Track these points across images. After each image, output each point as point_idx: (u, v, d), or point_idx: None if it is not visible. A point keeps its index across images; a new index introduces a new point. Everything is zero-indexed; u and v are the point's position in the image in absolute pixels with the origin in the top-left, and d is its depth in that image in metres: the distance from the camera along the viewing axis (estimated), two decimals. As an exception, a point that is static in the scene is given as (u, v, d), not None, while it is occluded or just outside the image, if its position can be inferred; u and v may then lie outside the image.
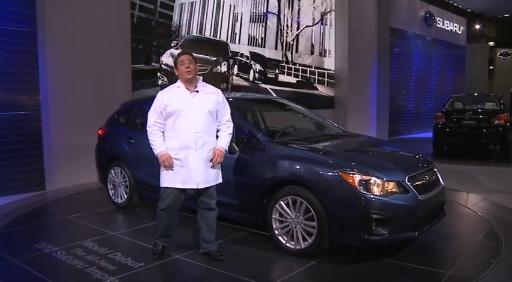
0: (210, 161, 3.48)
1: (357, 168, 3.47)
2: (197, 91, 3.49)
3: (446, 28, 16.42)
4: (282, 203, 3.70)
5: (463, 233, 4.35)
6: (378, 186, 3.38)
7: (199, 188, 3.46)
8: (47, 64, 6.27)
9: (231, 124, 3.64)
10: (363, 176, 3.39)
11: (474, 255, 3.71)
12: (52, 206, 5.54)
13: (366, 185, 3.37)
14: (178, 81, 3.54)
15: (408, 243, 3.85)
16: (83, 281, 3.25)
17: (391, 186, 3.42)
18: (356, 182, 3.36)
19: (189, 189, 3.50)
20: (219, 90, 3.65)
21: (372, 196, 3.34)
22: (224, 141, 3.57)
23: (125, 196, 5.17)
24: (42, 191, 6.17)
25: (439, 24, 15.78)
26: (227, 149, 3.61)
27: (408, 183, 3.49)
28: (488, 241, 4.06)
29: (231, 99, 5.04)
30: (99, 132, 5.65)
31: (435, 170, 4.09)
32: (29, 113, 6.07)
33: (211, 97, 3.53)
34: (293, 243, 3.67)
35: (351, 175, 3.39)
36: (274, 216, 3.76)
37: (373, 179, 3.39)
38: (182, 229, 4.23)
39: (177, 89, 3.50)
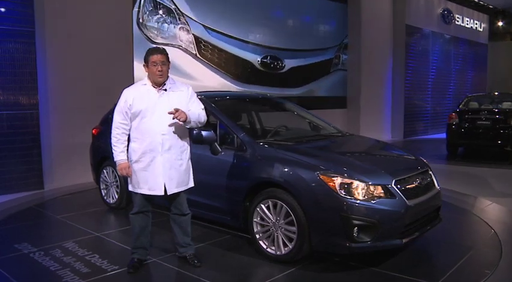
0: (169, 113, 3.12)
1: (338, 170, 3.28)
2: (165, 89, 3.28)
3: (466, 25, 15.85)
4: (262, 206, 3.54)
5: (461, 240, 4.08)
6: (361, 190, 3.18)
7: (168, 194, 3.30)
8: (46, 63, 6.29)
9: (204, 112, 3.41)
10: (345, 179, 3.20)
11: (468, 265, 3.45)
12: (46, 205, 5.52)
13: (348, 188, 3.18)
14: (146, 78, 3.33)
15: (399, 251, 3.64)
16: (51, 283, 3.17)
17: (375, 190, 3.21)
18: (337, 185, 3.17)
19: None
20: (190, 86, 3.45)
21: (353, 200, 3.14)
22: (191, 111, 3.26)
23: (116, 196, 5.10)
24: (40, 190, 6.18)
25: (458, 21, 15.25)
26: (190, 119, 3.21)
27: (395, 187, 3.27)
28: (487, 249, 3.80)
29: (227, 97, 4.99)
30: (93, 131, 5.61)
31: (430, 172, 3.86)
32: (28, 112, 6.07)
33: (179, 95, 3.31)
34: (274, 248, 3.50)
35: (332, 178, 3.20)
36: (255, 219, 3.61)
37: (355, 182, 3.19)
38: (163, 230, 4.14)
39: (143, 87, 3.30)
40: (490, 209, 5.15)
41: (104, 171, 5.24)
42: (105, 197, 5.27)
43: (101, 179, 5.30)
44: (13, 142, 5.96)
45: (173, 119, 3.16)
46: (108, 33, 6.87)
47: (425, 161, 4.03)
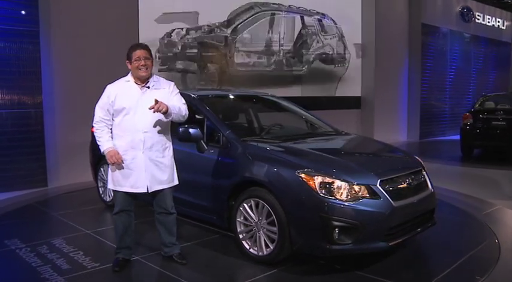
0: (150, 109, 3.06)
1: (319, 169, 3.17)
2: (148, 87, 3.26)
3: (488, 24, 15.32)
4: (245, 205, 3.46)
5: (457, 244, 3.89)
6: (342, 190, 3.06)
7: (149, 191, 3.26)
8: (51, 63, 6.37)
9: (185, 106, 3.34)
10: (325, 178, 3.08)
11: (459, 271, 3.27)
12: (46, 202, 5.58)
13: (329, 188, 3.06)
14: (129, 74, 3.31)
15: (389, 254, 3.50)
16: (28, 280, 3.17)
17: (358, 190, 3.09)
18: (317, 184, 3.06)
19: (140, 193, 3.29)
20: (172, 83, 3.41)
21: (334, 201, 3.02)
22: (171, 105, 3.19)
23: (112, 194, 5.10)
24: (44, 187, 6.26)
25: (478, 19, 14.76)
26: (171, 111, 3.15)
27: (380, 188, 3.13)
28: (483, 254, 3.60)
29: (223, 95, 4.92)
30: (92, 129, 5.62)
31: (423, 173, 3.70)
32: (32, 111, 6.15)
33: (162, 93, 3.27)
34: (256, 249, 3.42)
35: (312, 177, 3.09)
36: (238, 219, 3.53)
37: (337, 181, 3.07)
38: (153, 228, 4.08)
39: (127, 84, 3.28)
40: (495, 213, 4.92)
41: (101, 169, 5.25)
42: (102, 195, 5.29)
43: (99, 177, 5.33)
44: (17, 140, 6.05)
45: (154, 111, 3.08)
46: (113, 33, 6.91)
47: (419, 160, 3.86)
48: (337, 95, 11.23)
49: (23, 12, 6.03)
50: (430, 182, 3.71)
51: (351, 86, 11.61)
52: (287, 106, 4.97)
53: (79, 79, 6.59)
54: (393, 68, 12.25)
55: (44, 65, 6.24)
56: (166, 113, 3.13)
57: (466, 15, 14.16)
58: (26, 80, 6.07)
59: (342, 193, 3.05)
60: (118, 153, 3.21)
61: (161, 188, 3.32)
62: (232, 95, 5.06)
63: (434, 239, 3.96)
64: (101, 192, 5.31)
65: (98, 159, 5.33)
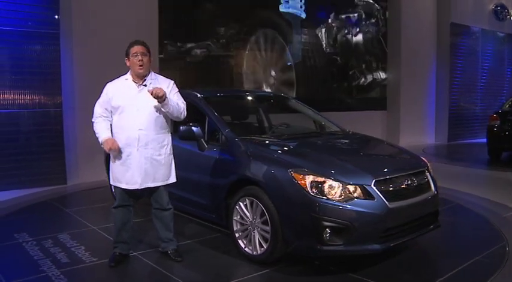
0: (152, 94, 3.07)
1: (313, 168, 3.11)
2: (145, 85, 3.28)
3: (524, 22, 14.65)
4: (241, 204, 3.45)
5: (464, 248, 3.71)
6: (334, 190, 2.99)
7: (140, 188, 3.29)
8: (72, 64, 6.57)
9: (183, 105, 3.34)
10: (317, 178, 3.02)
11: (458, 277, 3.12)
12: (61, 199, 5.73)
13: (320, 187, 3.00)
14: (128, 72, 3.36)
15: (390, 257, 3.40)
16: (26, 271, 3.26)
17: (351, 190, 3.01)
18: (307, 183, 3.00)
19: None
20: (172, 81, 3.42)
21: (325, 200, 2.96)
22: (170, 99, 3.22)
23: (122, 192, 5.21)
24: (62, 185, 6.46)
25: (514, 17, 14.14)
26: (169, 101, 3.16)
27: (374, 188, 3.04)
28: (488, 261, 3.42)
29: (239, 94, 4.92)
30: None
31: (427, 173, 3.56)
32: (52, 111, 6.37)
33: None
34: (251, 248, 3.39)
35: (304, 176, 3.04)
36: (235, 218, 3.52)
37: (328, 181, 3.01)
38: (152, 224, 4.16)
39: (125, 82, 3.33)
40: (511, 218, 4.67)
41: (113, 167, 5.37)
42: (114, 192, 5.39)
43: (111, 175, 5.45)
44: (38, 139, 6.28)
45: (151, 94, 3.08)
46: (133, 35, 7.03)
47: (424, 161, 3.72)
48: (362, 96, 11.06)
49: (43, 15, 6.26)
50: (434, 183, 3.57)
51: (376, 87, 11.40)
52: (295, 106, 4.92)
53: (98, 80, 6.61)
54: (420, 69, 11.93)
55: (64, 66, 6.45)
56: (163, 98, 3.09)
57: (500, 13, 13.58)
58: (46, 81, 6.30)
59: (333, 193, 2.99)
60: (115, 141, 3.22)
61: (155, 186, 3.35)
62: (240, 94, 5.06)
63: (440, 242, 3.82)
64: (113, 189, 5.42)
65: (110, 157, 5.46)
